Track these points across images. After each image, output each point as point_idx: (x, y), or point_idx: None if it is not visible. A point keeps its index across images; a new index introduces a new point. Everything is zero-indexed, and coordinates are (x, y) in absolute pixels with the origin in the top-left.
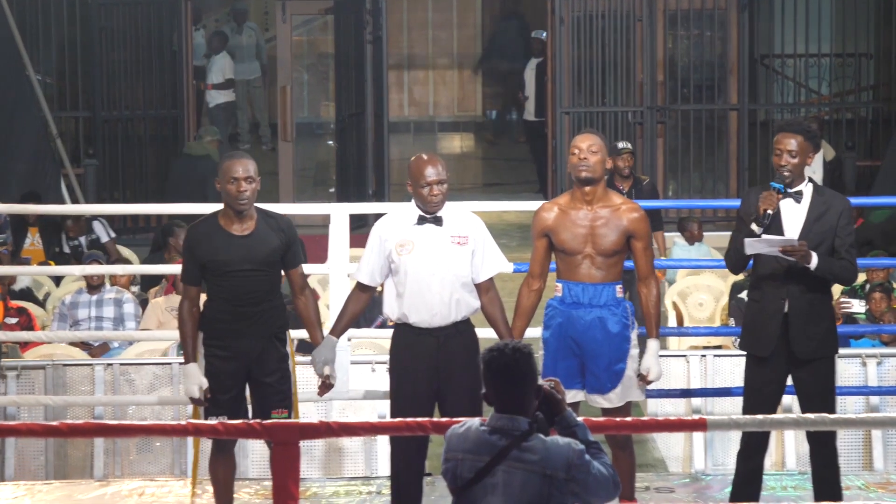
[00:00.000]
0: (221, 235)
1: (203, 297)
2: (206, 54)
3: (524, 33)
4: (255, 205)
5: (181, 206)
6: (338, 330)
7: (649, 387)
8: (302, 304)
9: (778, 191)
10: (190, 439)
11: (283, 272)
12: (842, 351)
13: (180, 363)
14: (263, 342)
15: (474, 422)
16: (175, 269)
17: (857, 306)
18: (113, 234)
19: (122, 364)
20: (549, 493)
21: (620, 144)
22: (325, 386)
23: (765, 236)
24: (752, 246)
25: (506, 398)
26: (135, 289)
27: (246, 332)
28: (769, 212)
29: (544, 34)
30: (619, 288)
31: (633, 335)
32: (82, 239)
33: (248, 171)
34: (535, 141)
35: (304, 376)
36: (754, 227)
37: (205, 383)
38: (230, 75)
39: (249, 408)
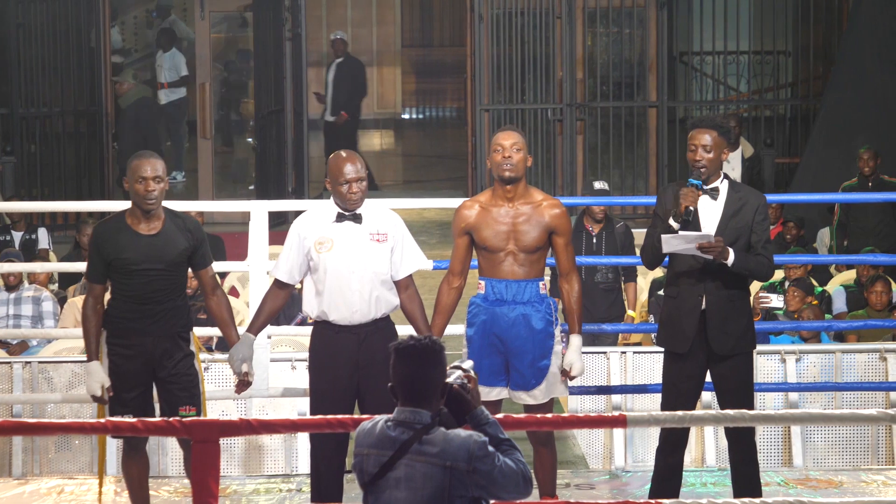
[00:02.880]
0: (128, 234)
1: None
2: (131, 50)
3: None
4: (163, 204)
5: (98, 204)
6: (255, 327)
7: (570, 383)
8: (214, 304)
9: (697, 187)
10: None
11: (192, 273)
12: (761, 347)
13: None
14: (167, 341)
15: (382, 417)
16: None
17: (776, 301)
18: (51, 246)
19: (40, 362)
20: (450, 485)
21: (598, 185)
22: (243, 384)
23: (682, 233)
24: (668, 243)
25: (410, 386)
26: (53, 287)
27: (149, 330)
28: (690, 209)
29: (341, 35)
30: (542, 284)
31: (557, 331)
32: (17, 234)
33: (157, 170)
34: (333, 141)
35: (224, 374)
36: (672, 223)
37: (106, 381)
38: (184, 72)
39: (157, 406)
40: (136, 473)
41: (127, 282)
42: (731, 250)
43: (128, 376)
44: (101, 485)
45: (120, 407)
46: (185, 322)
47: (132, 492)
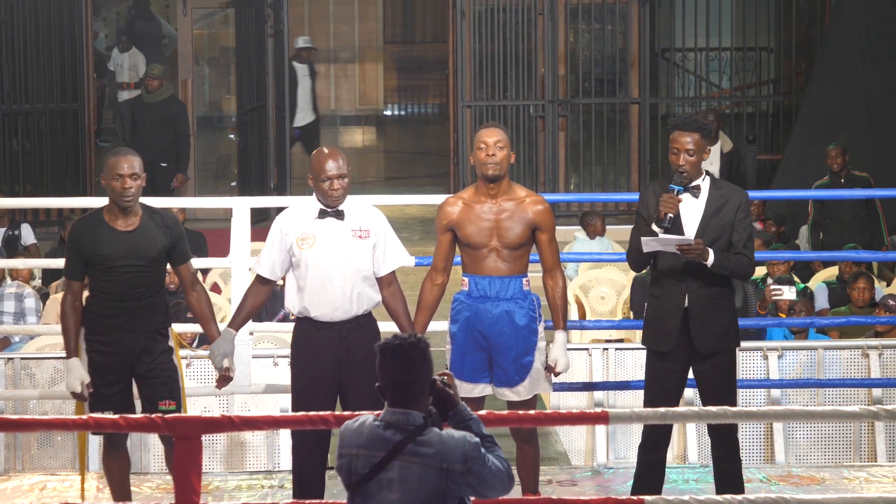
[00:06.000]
0: (105, 230)
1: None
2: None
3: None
4: (141, 201)
5: (81, 200)
6: (236, 323)
7: (554, 379)
8: (194, 300)
9: (678, 192)
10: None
11: (171, 268)
12: (744, 344)
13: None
14: (146, 337)
15: (368, 417)
16: None
17: (788, 293)
18: (35, 241)
19: (22, 358)
20: (446, 486)
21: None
22: (224, 379)
23: (661, 235)
24: (648, 245)
25: (400, 388)
26: (36, 283)
27: (128, 326)
28: (670, 216)
29: (303, 41)
30: (525, 280)
31: (541, 328)
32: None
33: (134, 167)
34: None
35: (205, 370)
36: (655, 227)
37: (86, 378)
38: (142, 73)
39: (138, 403)
40: (117, 469)
41: (105, 278)
42: (710, 251)
43: (107, 373)
44: (83, 481)
45: (101, 403)
46: (164, 318)
47: (113, 488)
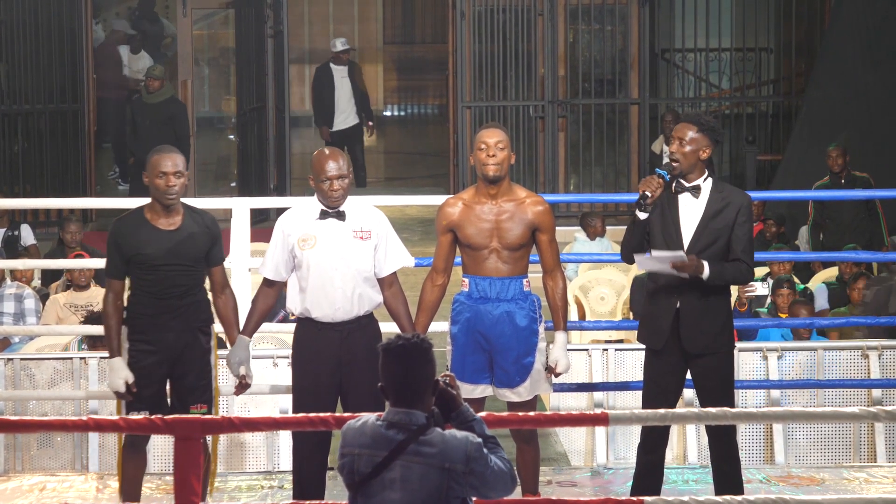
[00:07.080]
0: (148, 230)
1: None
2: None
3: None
4: (182, 200)
5: (81, 201)
6: (249, 329)
7: (554, 380)
8: (222, 303)
9: (661, 176)
10: (97, 435)
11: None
12: (742, 344)
13: (100, 357)
14: (188, 336)
15: (370, 416)
16: (72, 263)
17: (761, 289)
18: (34, 241)
19: (22, 359)
20: (448, 486)
21: None
22: (242, 386)
23: (654, 253)
24: (642, 263)
25: (403, 388)
26: (35, 283)
27: (170, 325)
28: (647, 193)
29: (340, 44)
30: (525, 281)
31: (541, 328)
32: None
33: (178, 165)
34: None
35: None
36: (638, 213)
37: (130, 377)
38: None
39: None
40: (132, 470)
41: (148, 277)
42: (706, 266)
43: (147, 373)
44: (120, 480)
45: (137, 403)
46: (207, 316)
47: (125, 488)
